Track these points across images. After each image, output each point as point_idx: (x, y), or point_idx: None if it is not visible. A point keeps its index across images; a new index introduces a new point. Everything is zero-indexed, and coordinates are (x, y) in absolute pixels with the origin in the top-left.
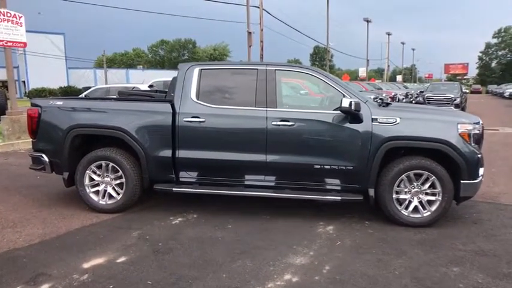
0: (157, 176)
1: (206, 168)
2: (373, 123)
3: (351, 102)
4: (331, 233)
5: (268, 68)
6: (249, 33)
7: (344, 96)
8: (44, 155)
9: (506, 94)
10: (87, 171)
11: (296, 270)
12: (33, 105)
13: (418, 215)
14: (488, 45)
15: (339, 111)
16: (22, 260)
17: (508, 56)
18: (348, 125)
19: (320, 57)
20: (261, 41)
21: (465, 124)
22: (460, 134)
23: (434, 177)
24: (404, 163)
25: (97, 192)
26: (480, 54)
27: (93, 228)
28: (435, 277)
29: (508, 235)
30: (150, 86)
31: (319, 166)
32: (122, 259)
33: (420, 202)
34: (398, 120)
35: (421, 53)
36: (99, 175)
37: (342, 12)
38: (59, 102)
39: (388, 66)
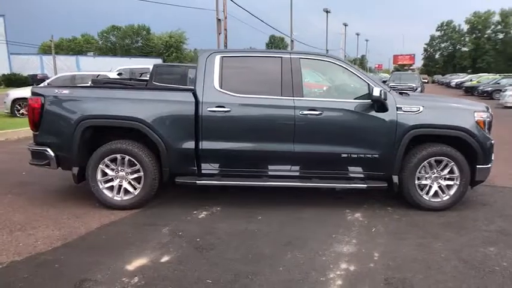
0: (178, 169)
1: (231, 159)
2: (398, 112)
3: (381, 91)
4: (361, 220)
5: (292, 56)
6: (219, 20)
7: (369, 85)
8: (48, 149)
9: (453, 84)
10: (100, 166)
11: (349, 258)
12: (34, 94)
13: (438, 199)
14: (432, 38)
15: (366, 100)
16: (54, 265)
17: (450, 48)
18: (374, 113)
19: (275, 47)
20: (225, 29)
21: (480, 112)
22: (476, 122)
23: (453, 162)
24: (426, 150)
25: (111, 188)
26: (425, 46)
27: (115, 227)
28: (478, 257)
29: None
30: (119, 74)
31: (346, 155)
32: (165, 258)
33: (439, 187)
34: (421, 108)
35: (373, 44)
36: (113, 169)
37: (298, 2)
38: (66, 91)
39: (345, 56)
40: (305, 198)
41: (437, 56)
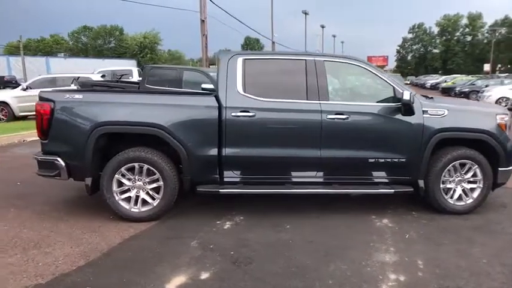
0: (200, 177)
1: (254, 166)
2: (424, 115)
3: (411, 94)
4: (390, 226)
5: (316, 59)
6: (202, 21)
7: (394, 88)
8: (59, 159)
9: (428, 85)
10: (116, 176)
11: (394, 268)
12: (42, 99)
13: (462, 203)
14: (404, 40)
15: (392, 103)
16: None
17: (421, 50)
18: (400, 117)
19: (251, 48)
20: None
21: (502, 115)
22: (498, 124)
23: (476, 166)
24: (452, 153)
25: (127, 199)
26: (398, 48)
27: (139, 241)
28: None
29: None
30: (103, 76)
31: (373, 160)
32: (205, 275)
33: (463, 190)
34: (446, 112)
35: (349, 46)
36: (129, 179)
37: (277, 4)
38: (78, 96)
39: None
40: (325, 204)
41: (409, 57)
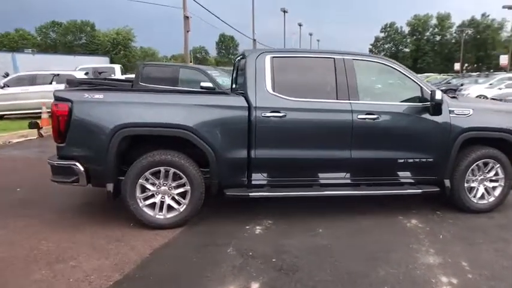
0: (228, 180)
1: (284, 168)
2: (451, 115)
3: (442, 94)
4: (420, 226)
5: (345, 57)
6: (186, 17)
7: (422, 87)
8: (77, 164)
9: None
10: (140, 181)
11: (442, 271)
12: (59, 99)
13: (485, 201)
14: (377, 39)
15: (420, 103)
16: None
17: (393, 49)
18: (428, 116)
19: (226, 46)
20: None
21: None
22: None
23: (498, 164)
24: (476, 153)
25: (152, 205)
26: (370, 47)
27: (172, 250)
28: None
29: None
30: (86, 73)
31: (402, 160)
32: (255, 286)
33: (485, 189)
34: (471, 111)
35: (324, 44)
36: (153, 184)
37: (249, 2)
38: (99, 95)
39: None
40: (351, 206)
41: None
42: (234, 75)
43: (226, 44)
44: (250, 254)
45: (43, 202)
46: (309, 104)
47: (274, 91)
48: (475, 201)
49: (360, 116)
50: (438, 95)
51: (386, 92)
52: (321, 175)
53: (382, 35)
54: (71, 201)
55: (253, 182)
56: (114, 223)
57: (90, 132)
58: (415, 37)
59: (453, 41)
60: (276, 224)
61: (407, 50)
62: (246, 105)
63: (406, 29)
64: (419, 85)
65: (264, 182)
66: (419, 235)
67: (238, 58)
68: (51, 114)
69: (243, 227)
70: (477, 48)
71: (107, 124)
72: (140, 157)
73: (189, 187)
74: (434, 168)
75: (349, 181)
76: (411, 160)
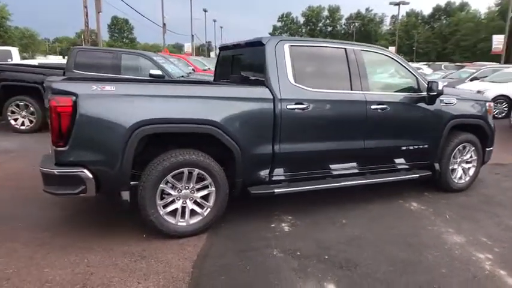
0: (251, 178)
1: (303, 162)
2: (441, 104)
3: (443, 85)
4: (423, 209)
5: (355, 48)
6: None
7: (417, 78)
8: (85, 170)
9: None
10: (161, 186)
11: (473, 248)
12: (59, 92)
13: (462, 181)
14: (275, 28)
15: (419, 93)
16: None
17: None
18: (425, 106)
19: (119, 29)
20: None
21: (489, 102)
22: (487, 111)
23: (473, 148)
24: (458, 138)
25: (173, 212)
26: (269, 36)
27: (214, 261)
28: None
29: None
30: None
31: (405, 148)
32: (331, 286)
33: (463, 170)
34: (456, 101)
35: (228, 32)
36: (175, 188)
37: None
38: (110, 87)
39: (210, 44)
40: (349, 195)
41: None
42: (220, 66)
43: (119, 27)
44: (298, 253)
45: (21, 219)
46: (329, 95)
47: (296, 82)
48: (456, 181)
49: (372, 107)
50: (440, 86)
51: (390, 83)
52: (333, 166)
53: (279, 24)
54: (49, 213)
55: (273, 178)
56: (122, 236)
57: (101, 131)
58: (309, 27)
59: (342, 32)
60: (297, 218)
61: None
62: (272, 97)
63: (301, 19)
64: (415, 76)
65: (283, 178)
66: (429, 217)
67: (228, 46)
68: (49, 110)
69: (268, 226)
70: (363, 40)
71: (123, 121)
72: (156, 158)
73: (213, 188)
74: (428, 154)
75: (357, 171)
76: (412, 147)
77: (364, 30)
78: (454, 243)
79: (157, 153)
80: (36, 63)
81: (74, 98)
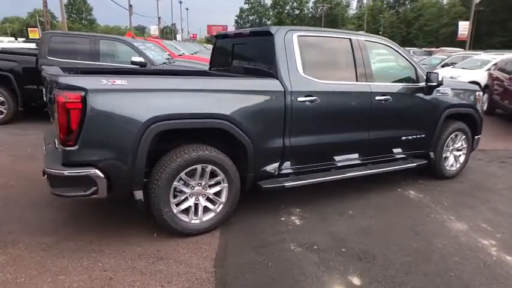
0: (261, 172)
1: (310, 154)
2: (437, 94)
3: (442, 76)
4: (421, 197)
5: (359, 38)
6: None
7: (416, 68)
8: (96, 170)
9: None
10: (175, 183)
11: (477, 234)
12: (67, 87)
13: (453, 168)
14: (241, 10)
15: (417, 84)
16: None
17: (257, 21)
18: (423, 96)
19: (77, 10)
20: None
21: (479, 91)
22: (477, 100)
23: (464, 136)
24: (451, 127)
25: (185, 210)
26: (236, 18)
27: (233, 259)
28: None
29: None
30: None
31: (405, 137)
32: (357, 281)
33: (454, 157)
34: (450, 91)
35: (193, 14)
36: (188, 185)
37: None
38: (121, 81)
39: (175, 27)
40: (348, 185)
41: (247, 28)
42: (217, 55)
43: (77, 7)
44: (315, 247)
45: (12, 222)
46: (337, 86)
47: (304, 73)
48: (448, 168)
49: (377, 98)
50: (440, 77)
51: (391, 73)
52: (337, 158)
53: (246, 6)
54: (45, 215)
55: (282, 172)
56: (132, 236)
57: (113, 128)
58: (276, 10)
59: (310, 15)
60: (305, 211)
61: (269, 22)
62: (283, 89)
63: (269, 2)
64: (414, 66)
65: (290, 171)
66: (429, 205)
67: (227, 35)
68: (56, 107)
69: (278, 220)
70: (330, 24)
71: (136, 117)
72: (166, 155)
73: (226, 184)
74: (424, 143)
75: (359, 161)
76: (411, 137)
77: (332, 14)
78: (458, 230)
79: (164, 150)
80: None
81: (82, 93)
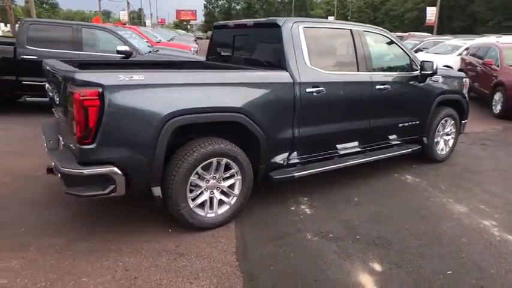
0: (272, 164)
1: (316, 144)
2: (430, 82)
3: (436, 65)
4: (418, 181)
5: (359, 29)
6: None
7: (410, 57)
8: (115, 168)
9: None
10: (191, 178)
11: (478, 216)
12: (84, 83)
13: (444, 152)
14: None
15: (412, 72)
16: None
17: (226, 5)
18: (418, 84)
19: None
20: None
21: (465, 78)
22: (464, 86)
23: (453, 121)
24: (442, 113)
25: (201, 204)
26: (205, 3)
27: (255, 252)
28: None
29: None
30: None
31: (401, 124)
32: (378, 267)
33: (444, 142)
34: (441, 78)
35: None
36: (203, 179)
37: None
38: (138, 76)
39: (142, 11)
40: (347, 172)
41: (216, 13)
42: (215, 45)
43: None
44: (331, 236)
45: (14, 224)
46: (341, 76)
47: (311, 65)
48: (439, 152)
49: (377, 87)
50: (435, 66)
51: (388, 63)
52: (339, 146)
53: None
54: (47, 215)
55: (289, 162)
56: (147, 233)
57: (131, 125)
58: None
59: (279, 0)
60: (312, 199)
61: (238, 7)
62: (292, 81)
63: None
64: (408, 55)
65: (297, 161)
66: (428, 188)
67: (227, 26)
68: (72, 104)
69: (288, 209)
70: (299, 9)
71: (154, 113)
72: (181, 149)
73: (239, 176)
74: (419, 129)
75: (359, 149)
76: (407, 124)
77: None
78: (460, 212)
79: (177, 144)
80: None
81: (100, 89)
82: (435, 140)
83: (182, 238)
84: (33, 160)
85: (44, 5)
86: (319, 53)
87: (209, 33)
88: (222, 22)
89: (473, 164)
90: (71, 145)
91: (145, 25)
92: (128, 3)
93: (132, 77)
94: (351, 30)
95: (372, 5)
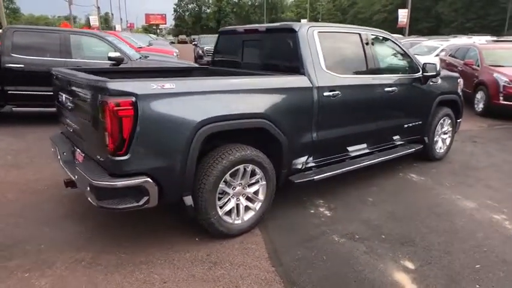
0: (291, 168)
1: (332, 147)
2: (430, 83)
3: (440, 67)
4: (423, 179)
5: (368, 33)
6: None
7: (411, 59)
8: (149, 179)
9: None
10: (220, 186)
11: (488, 211)
12: (118, 93)
13: (442, 150)
14: None
15: (415, 74)
16: None
17: (196, 9)
18: (420, 85)
19: None
20: None
21: (459, 79)
22: (458, 86)
23: (450, 120)
24: (441, 113)
25: (228, 211)
26: (175, 6)
27: (287, 257)
28: None
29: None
30: None
31: (407, 125)
32: (410, 265)
33: (442, 140)
34: (440, 79)
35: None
36: (230, 186)
37: None
38: (170, 85)
39: (111, 16)
40: (353, 173)
41: (186, 16)
42: (222, 51)
43: None
44: (357, 236)
45: (30, 237)
46: (354, 80)
47: (327, 69)
48: (438, 151)
49: (385, 89)
50: (438, 68)
51: (394, 65)
52: (350, 148)
53: None
54: (62, 230)
55: (307, 165)
56: (175, 243)
57: (164, 134)
58: None
59: (250, 3)
60: (329, 202)
61: (209, 10)
62: (311, 85)
63: None
64: (411, 57)
65: (313, 164)
66: (433, 187)
67: (236, 31)
68: (104, 113)
69: (308, 212)
70: (270, 12)
71: (186, 121)
72: (208, 157)
73: (264, 182)
74: (421, 129)
75: (368, 150)
76: (411, 124)
77: (271, 1)
78: (471, 208)
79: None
80: None
81: (133, 99)
82: (435, 138)
83: (211, 246)
84: (31, 173)
85: (6, 11)
86: (333, 57)
87: (180, 37)
88: (229, 27)
89: (470, 161)
90: (98, 157)
91: (115, 29)
92: (98, 7)
93: (163, 86)
94: (359, 34)
95: (341, 8)
